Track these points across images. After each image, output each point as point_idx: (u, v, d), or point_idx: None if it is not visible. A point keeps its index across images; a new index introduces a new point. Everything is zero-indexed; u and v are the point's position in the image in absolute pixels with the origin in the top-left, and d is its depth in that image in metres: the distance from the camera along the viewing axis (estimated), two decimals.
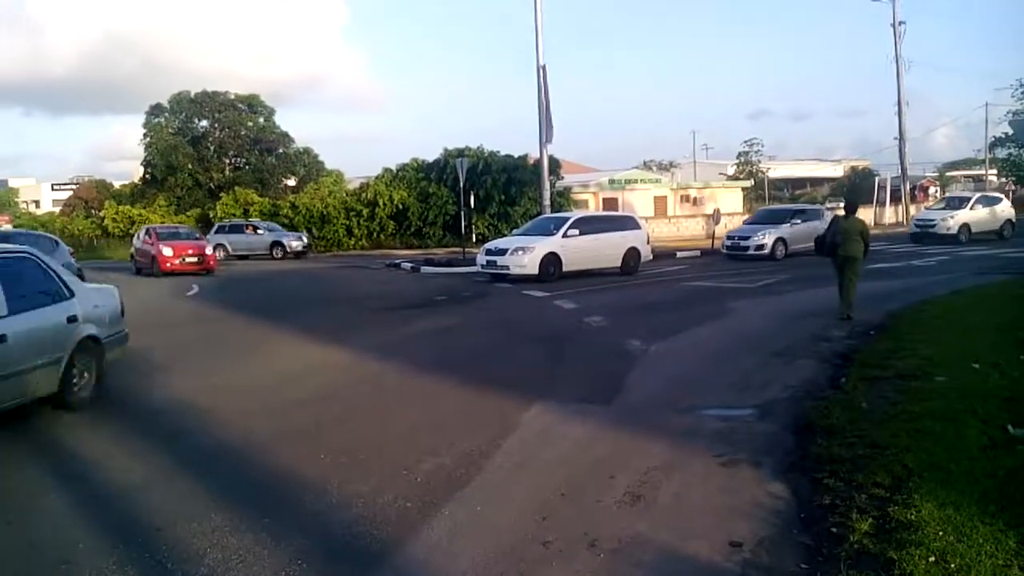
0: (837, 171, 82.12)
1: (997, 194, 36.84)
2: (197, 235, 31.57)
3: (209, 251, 27.58)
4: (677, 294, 17.15)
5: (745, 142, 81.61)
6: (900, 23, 42.97)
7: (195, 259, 26.45)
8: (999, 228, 30.35)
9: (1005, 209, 31.26)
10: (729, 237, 27.23)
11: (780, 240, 25.39)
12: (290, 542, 4.58)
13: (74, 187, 72.75)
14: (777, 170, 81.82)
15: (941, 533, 4.21)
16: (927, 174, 73.79)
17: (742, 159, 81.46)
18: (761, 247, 25.26)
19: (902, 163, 45.20)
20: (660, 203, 57.76)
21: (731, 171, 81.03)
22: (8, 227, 42.71)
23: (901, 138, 44.53)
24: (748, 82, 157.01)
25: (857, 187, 62.84)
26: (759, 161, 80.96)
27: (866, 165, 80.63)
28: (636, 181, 59.96)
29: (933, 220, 30.36)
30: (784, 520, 4.76)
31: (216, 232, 37.73)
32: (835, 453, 5.65)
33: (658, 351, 10.32)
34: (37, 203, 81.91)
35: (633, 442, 6.40)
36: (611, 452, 6.16)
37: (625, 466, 5.73)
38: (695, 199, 59.65)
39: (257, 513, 5.00)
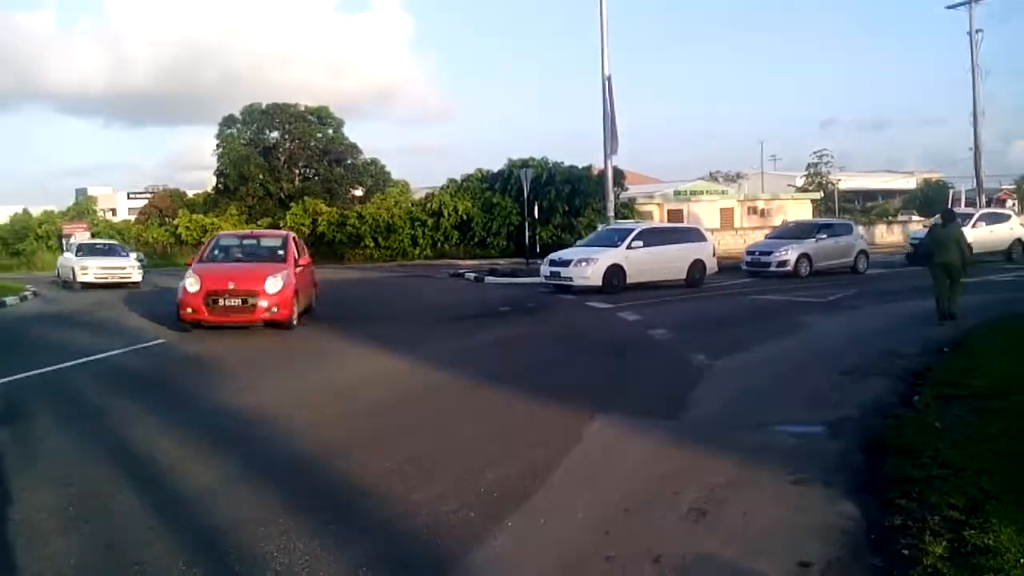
0: (909, 183, 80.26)
1: (1004, 211, 33.72)
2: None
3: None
4: (744, 307, 16.92)
5: (814, 153, 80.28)
6: (977, 31, 41.76)
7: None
8: (1007, 248, 27.58)
9: (1014, 227, 28.60)
10: (749, 252, 25.82)
11: (804, 256, 23.93)
12: (355, 549, 4.62)
13: (149, 196, 74.89)
14: (847, 182, 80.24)
15: (1021, 560, 4.06)
16: (1004, 186, 71.48)
17: (811, 170, 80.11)
18: (783, 263, 23.85)
19: (977, 174, 43.80)
20: (726, 215, 57.14)
21: (800, 182, 79.70)
22: (86, 235, 44.15)
23: (976, 149, 43.14)
24: (818, 92, 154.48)
25: (930, 199, 61.28)
26: (829, 172, 79.50)
27: (939, 177, 78.61)
28: (702, 192, 59.49)
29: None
30: (854, 541, 4.65)
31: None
32: (907, 473, 5.50)
33: (725, 366, 10.18)
34: (114, 211, 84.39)
35: (698, 458, 6.31)
36: (676, 467, 6.09)
37: (690, 482, 5.66)
38: (763, 211, 58.87)
39: (324, 519, 5.07)
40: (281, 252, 15.37)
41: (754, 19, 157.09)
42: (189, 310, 13.67)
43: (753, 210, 59.20)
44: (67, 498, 5.55)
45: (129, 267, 26.91)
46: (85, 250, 28.14)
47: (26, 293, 23.68)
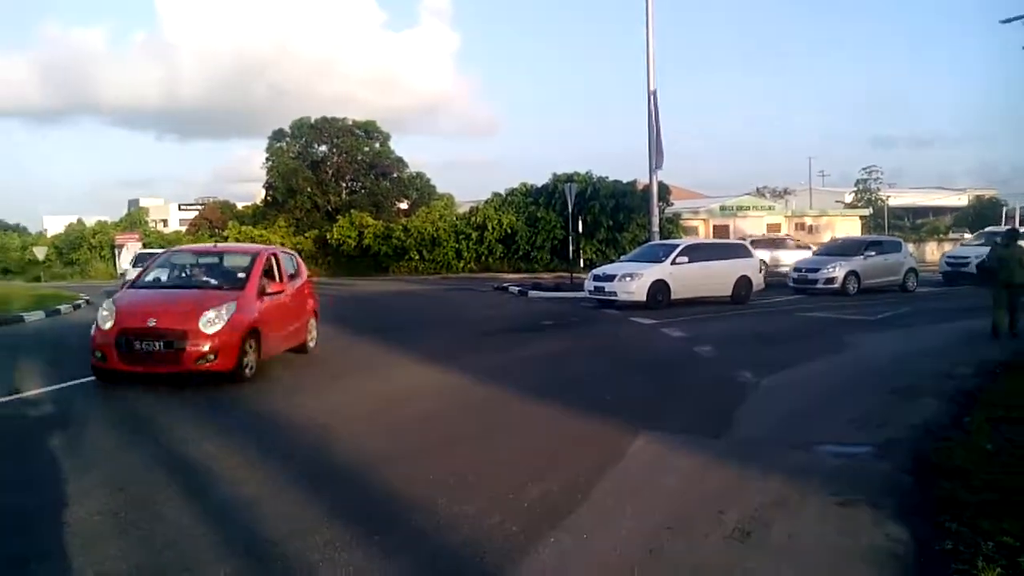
0: (961, 200, 78.79)
1: None
2: None
3: None
4: (791, 325, 16.73)
5: (863, 169, 79.43)
6: None
7: None
8: None
9: None
10: (796, 269, 25.46)
11: (852, 273, 23.54)
12: (398, 561, 4.66)
13: (200, 207, 76.29)
14: (897, 198, 79.08)
15: None
16: None
17: (860, 186, 79.17)
18: (831, 281, 23.49)
19: None
20: (773, 231, 56.51)
21: (849, 199, 78.78)
22: (138, 245, 45.27)
23: None
24: (868, 107, 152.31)
25: (982, 216, 60.10)
26: (878, 189, 78.46)
27: (992, 194, 77.09)
28: (748, 208, 59.12)
29: (967, 257, 26.90)
30: (903, 565, 4.57)
31: None
32: (958, 497, 5.39)
33: (771, 384, 10.06)
34: (165, 222, 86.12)
35: (744, 477, 6.25)
36: (720, 486, 6.03)
37: (735, 501, 5.60)
38: (810, 227, 58.20)
39: (367, 530, 5.10)
40: (243, 276, 11.51)
41: (803, 34, 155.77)
42: (98, 355, 10.03)
43: (801, 226, 58.53)
44: (119, 503, 5.65)
45: None
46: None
47: (79, 302, 24.24)
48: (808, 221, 59.33)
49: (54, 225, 77.52)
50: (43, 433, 7.87)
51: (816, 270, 24.22)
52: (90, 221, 67.39)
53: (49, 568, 4.63)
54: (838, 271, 23.58)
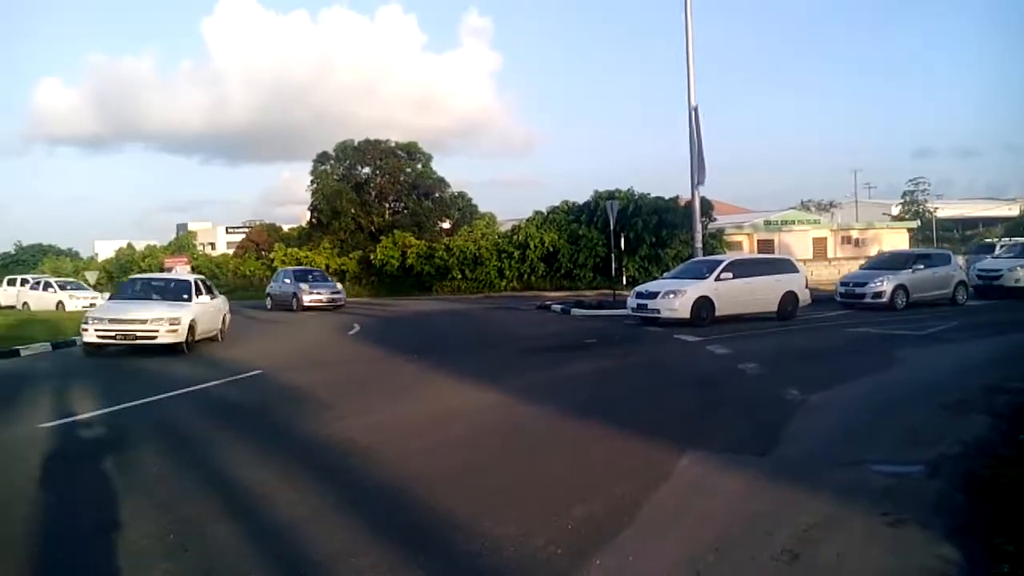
0: (1012, 210, 77.16)
1: None
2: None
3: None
4: (839, 340, 16.50)
5: (910, 181, 78.32)
6: None
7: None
8: None
9: None
10: (843, 284, 25.08)
11: (900, 288, 23.09)
12: None
13: (247, 230, 77.48)
14: (945, 210, 77.75)
15: None
16: None
17: (907, 198, 78.01)
18: (879, 295, 23.08)
19: None
20: (819, 245, 55.98)
21: (896, 211, 77.61)
22: (186, 268, 46.06)
23: None
24: (914, 119, 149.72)
25: None
26: (926, 200, 77.21)
27: None
28: (793, 222, 58.55)
29: (1000, 270, 26.56)
30: None
31: None
32: (1013, 517, 5.27)
33: (818, 401, 9.92)
34: (213, 245, 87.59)
35: (791, 497, 6.16)
36: (767, 506, 5.96)
37: (782, 522, 5.53)
38: (857, 240, 57.49)
39: (411, 551, 5.12)
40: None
41: (846, 46, 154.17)
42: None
43: (847, 240, 57.86)
44: (168, 524, 5.75)
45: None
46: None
47: None
48: (854, 234, 58.60)
49: (105, 250, 79.28)
50: (102, 455, 8.04)
51: (863, 284, 23.85)
52: (140, 245, 68.91)
53: None
54: (886, 285, 23.19)
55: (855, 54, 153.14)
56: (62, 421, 9.72)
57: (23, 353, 17.64)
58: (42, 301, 37.02)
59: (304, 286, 32.52)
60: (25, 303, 37.54)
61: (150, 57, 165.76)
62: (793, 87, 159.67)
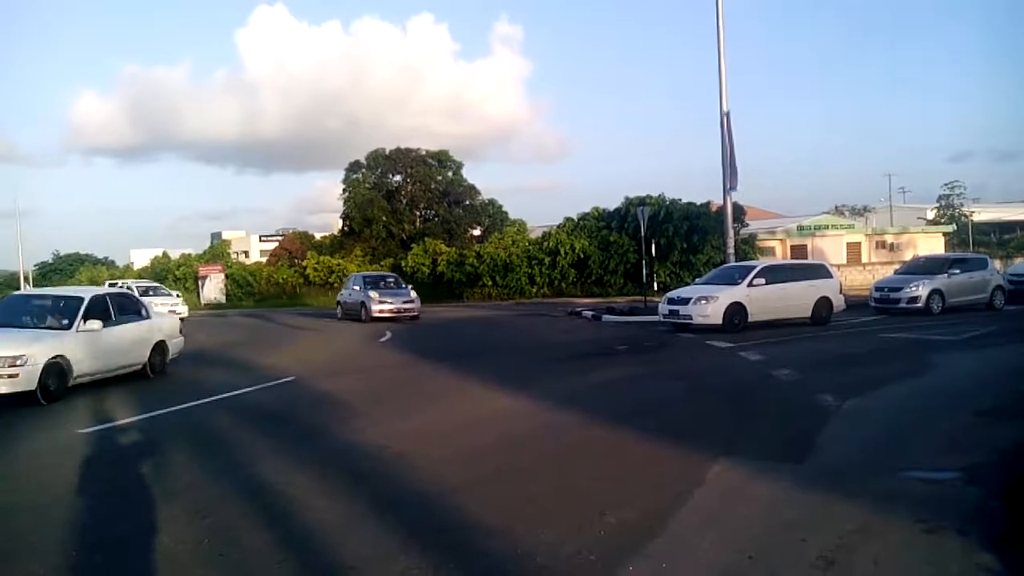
0: None
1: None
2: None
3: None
4: (874, 346, 16.31)
5: (946, 185, 77.11)
6: None
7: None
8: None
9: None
10: (878, 288, 24.79)
11: (936, 292, 22.87)
12: None
13: (280, 238, 78.08)
14: (981, 214, 76.54)
15: None
16: None
17: (943, 203, 76.90)
18: (914, 300, 22.84)
19: None
20: (853, 250, 55.40)
21: (931, 216, 76.54)
22: (220, 276, 46.63)
23: None
24: (949, 121, 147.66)
25: None
26: (962, 204, 76.07)
27: None
28: (827, 227, 57.94)
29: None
30: None
31: None
32: None
33: (853, 407, 9.81)
34: (247, 253, 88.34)
35: (826, 504, 6.09)
36: (802, 513, 5.89)
37: (818, 529, 5.47)
38: (892, 245, 56.80)
39: (444, 557, 5.13)
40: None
41: (880, 50, 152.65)
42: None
43: (881, 244, 57.20)
44: (203, 530, 5.81)
45: None
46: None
47: None
48: (889, 239, 57.92)
49: (140, 258, 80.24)
50: (137, 461, 8.14)
51: (899, 289, 23.58)
52: (174, 254, 69.63)
53: None
54: (921, 290, 22.93)
55: (889, 57, 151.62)
56: (99, 427, 9.86)
57: None
58: None
59: (374, 294, 29.05)
60: None
61: (185, 68, 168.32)
62: (826, 91, 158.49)
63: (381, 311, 28.33)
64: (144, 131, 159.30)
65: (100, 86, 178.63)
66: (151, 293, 35.35)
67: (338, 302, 32.45)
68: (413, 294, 30.31)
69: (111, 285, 34.37)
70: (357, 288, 30.42)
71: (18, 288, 61.89)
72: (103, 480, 7.50)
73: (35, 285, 69.92)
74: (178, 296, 38.93)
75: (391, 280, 32.26)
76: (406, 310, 28.92)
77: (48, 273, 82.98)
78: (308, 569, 5.08)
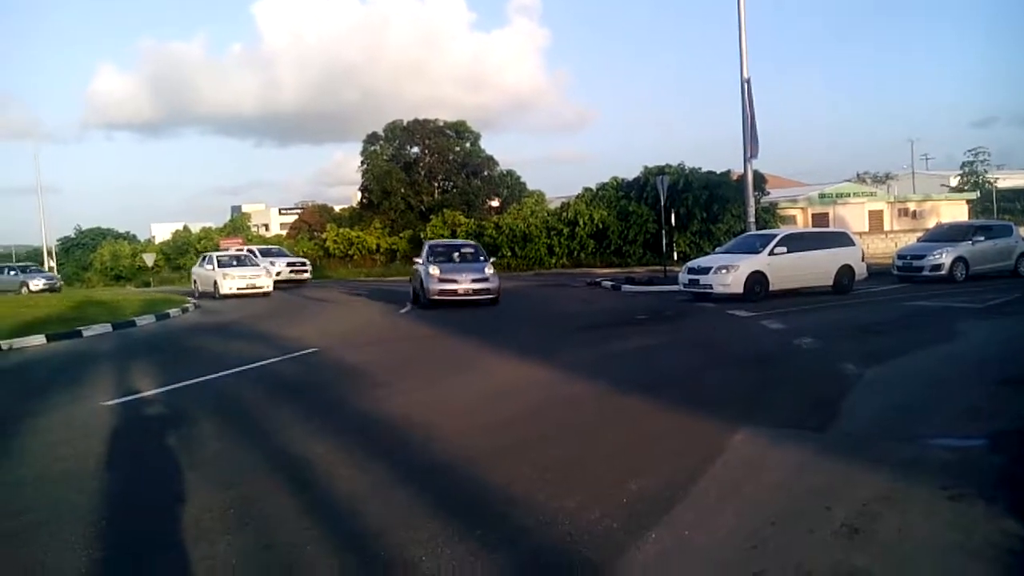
0: None
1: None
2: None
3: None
4: (896, 314, 16.19)
5: (969, 151, 76.20)
6: None
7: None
8: None
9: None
10: (900, 256, 24.69)
11: (960, 260, 22.74)
12: (500, 555, 4.70)
13: (299, 211, 78.44)
14: (1006, 180, 75.59)
15: None
16: None
17: (966, 169, 76.00)
18: (937, 267, 22.73)
19: None
20: (875, 217, 54.94)
21: (954, 182, 75.71)
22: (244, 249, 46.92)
23: None
24: (972, 87, 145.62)
25: None
26: (986, 171, 75.13)
27: None
28: (848, 195, 57.46)
29: None
30: (1021, 561, 4.39)
31: None
32: None
33: (875, 375, 9.76)
34: (267, 226, 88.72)
35: (849, 471, 6.08)
36: (825, 481, 5.88)
37: (841, 496, 5.46)
38: (914, 213, 56.28)
39: (469, 525, 5.17)
40: None
41: (902, 13, 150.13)
42: None
43: (904, 212, 56.66)
44: (229, 499, 5.87)
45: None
46: None
47: (187, 306, 25.27)
48: (911, 207, 57.35)
49: (161, 232, 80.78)
50: (164, 431, 8.24)
51: (921, 257, 23.39)
52: (195, 227, 70.08)
53: None
54: (945, 257, 22.73)
55: (912, 22, 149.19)
56: (126, 399, 9.98)
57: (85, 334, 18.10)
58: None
59: (434, 270, 21.38)
60: None
61: (202, 41, 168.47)
62: (848, 57, 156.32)
63: (442, 294, 21.05)
64: (163, 105, 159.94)
65: (119, 61, 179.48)
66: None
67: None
68: (488, 270, 22.06)
69: None
70: (419, 261, 23.05)
71: (42, 263, 62.55)
72: (130, 450, 7.60)
73: (58, 260, 70.69)
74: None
75: (469, 249, 24.17)
76: (481, 292, 21.41)
77: (71, 248, 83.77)
78: (334, 537, 5.13)
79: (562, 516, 5.27)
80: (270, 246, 45.62)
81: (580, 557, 4.67)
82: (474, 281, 21.28)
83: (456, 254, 23.25)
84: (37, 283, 43.86)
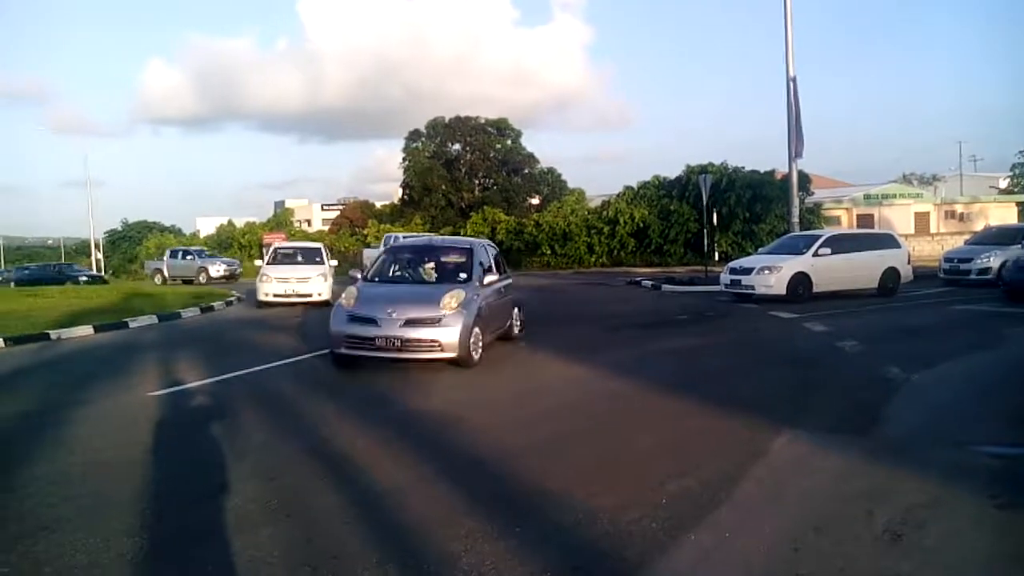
0: None
1: None
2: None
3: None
4: (942, 318, 15.92)
5: (1020, 152, 74.44)
6: None
7: None
8: None
9: None
10: (947, 259, 24.18)
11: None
12: (538, 553, 4.70)
13: (341, 207, 79.11)
14: None
15: None
16: None
17: (1016, 171, 74.33)
18: (985, 271, 22.21)
19: None
20: (921, 219, 54.06)
21: (1003, 184, 74.16)
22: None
23: None
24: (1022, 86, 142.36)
25: None
26: None
27: None
28: (894, 196, 56.61)
29: None
30: None
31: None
32: None
33: (921, 380, 9.60)
34: (309, 222, 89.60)
35: (893, 476, 5.99)
36: (868, 486, 5.81)
37: (884, 502, 5.38)
38: (962, 215, 55.26)
39: (507, 522, 5.18)
40: None
41: (949, 12, 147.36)
42: None
43: (951, 214, 55.67)
44: (271, 491, 5.95)
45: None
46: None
47: (231, 299, 25.58)
48: (959, 209, 56.34)
49: (206, 226, 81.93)
50: (208, 423, 8.36)
51: (968, 260, 22.96)
52: (239, 222, 70.99)
53: None
54: (993, 261, 22.26)
55: (959, 20, 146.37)
56: (171, 389, 10.13)
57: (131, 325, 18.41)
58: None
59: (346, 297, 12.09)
60: None
61: (248, 38, 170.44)
62: (895, 56, 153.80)
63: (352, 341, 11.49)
64: (209, 101, 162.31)
65: (167, 57, 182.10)
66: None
67: None
68: (454, 300, 11.30)
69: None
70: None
71: (89, 255, 63.75)
72: (175, 440, 7.72)
73: (105, 253, 72.00)
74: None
75: (450, 260, 18.72)
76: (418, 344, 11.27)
77: (117, 241, 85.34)
78: (373, 530, 5.16)
79: (601, 515, 5.25)
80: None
81: (620, 556, 4.65)
82: (413, 325, 10.97)
83: (405, 267, 13.51)
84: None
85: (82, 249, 78.87)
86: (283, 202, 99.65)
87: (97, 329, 17.28)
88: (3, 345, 15.00)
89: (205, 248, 51.47)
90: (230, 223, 71.78)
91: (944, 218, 55.19)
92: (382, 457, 6.85)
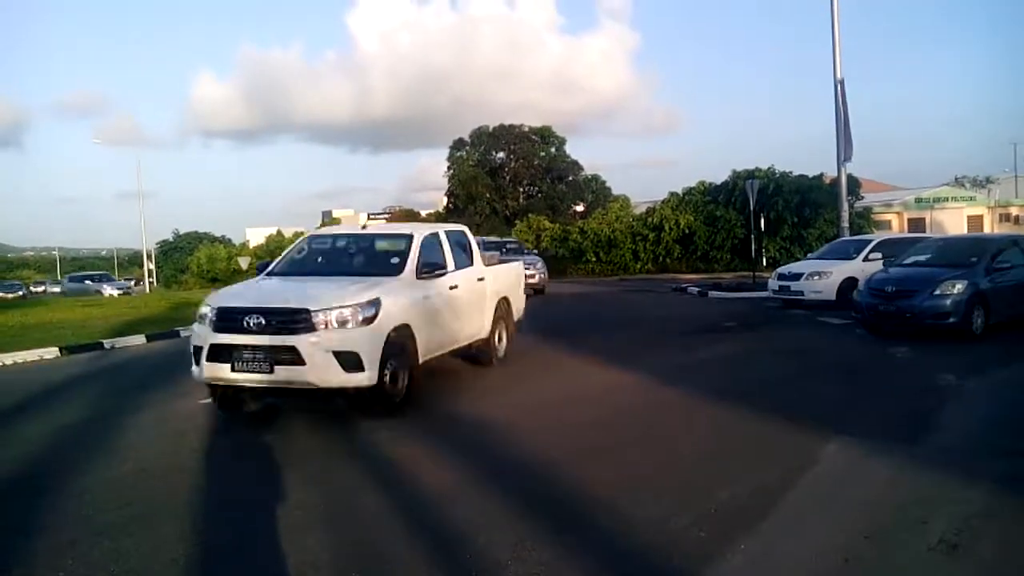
0: None
1: None
2: None
3: None
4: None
5: None
6: None
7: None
8: None
9: None
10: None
11: None
12: (587, 560, 4.69)
13: (387, 216, 79.68)
14: None
15: None
16: None
17: None
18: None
19: None
20: (975, 223, 52.99)
21: None
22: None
23: None
24: None
25: None
26: None
27: None
28: (946, 199, 55.53)
29: None
30: None
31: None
32: None
33: (976, 387, 9.40)
34: None
35: (946, 485, 5.87)
36: (921, 495, 5.69)
37: (938, 511, 5.27)
38: (1017, 218, 54.03)
39: (554, 529, 5.17)
40: None
41: (1001, 9, 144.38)
42: None
43: (1006, 217, 54.49)
44: (318, 497, 6.03)
45: None
46: None
47: None
48: (1014, 211, 55.10)
49: (256, 237, 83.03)
50: (255, 430, 8.47)
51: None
52: (288, 232, 71.88)
53: None
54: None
55: (1010, 18, 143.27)
56: None
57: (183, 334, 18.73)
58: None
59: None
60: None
61: (298, 50, 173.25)
62: (946, 56, 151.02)
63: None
64: (259, 113, 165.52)
65: (218, 70, 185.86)
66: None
67: None
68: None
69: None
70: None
71: (141, 265, 65.07)
72: (225, 447, 7.86)
73: (156, 263, 73.38)
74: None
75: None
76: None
77: (169, 251, 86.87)
78: (419, 535, 5.19)
79: (649, 523, 5.23)
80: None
81: (667, 566, 4.63)
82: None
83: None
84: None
85: (135, 260, 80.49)
86: (330, 212, 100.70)
87: (149, 338, 17.61)
88: (59, 354, 15.36)
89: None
90: (279, 233, 72.75)
91: (998, 221, 54.03)
92: (426, 463, 6.87)
